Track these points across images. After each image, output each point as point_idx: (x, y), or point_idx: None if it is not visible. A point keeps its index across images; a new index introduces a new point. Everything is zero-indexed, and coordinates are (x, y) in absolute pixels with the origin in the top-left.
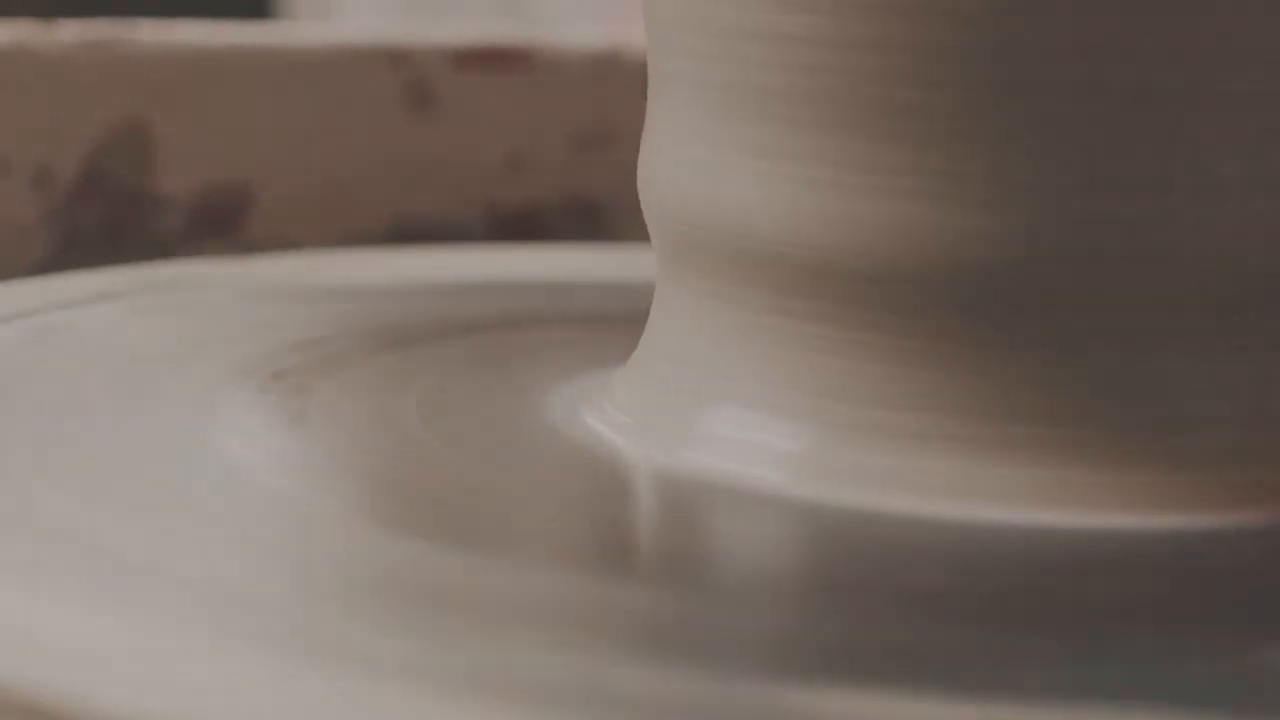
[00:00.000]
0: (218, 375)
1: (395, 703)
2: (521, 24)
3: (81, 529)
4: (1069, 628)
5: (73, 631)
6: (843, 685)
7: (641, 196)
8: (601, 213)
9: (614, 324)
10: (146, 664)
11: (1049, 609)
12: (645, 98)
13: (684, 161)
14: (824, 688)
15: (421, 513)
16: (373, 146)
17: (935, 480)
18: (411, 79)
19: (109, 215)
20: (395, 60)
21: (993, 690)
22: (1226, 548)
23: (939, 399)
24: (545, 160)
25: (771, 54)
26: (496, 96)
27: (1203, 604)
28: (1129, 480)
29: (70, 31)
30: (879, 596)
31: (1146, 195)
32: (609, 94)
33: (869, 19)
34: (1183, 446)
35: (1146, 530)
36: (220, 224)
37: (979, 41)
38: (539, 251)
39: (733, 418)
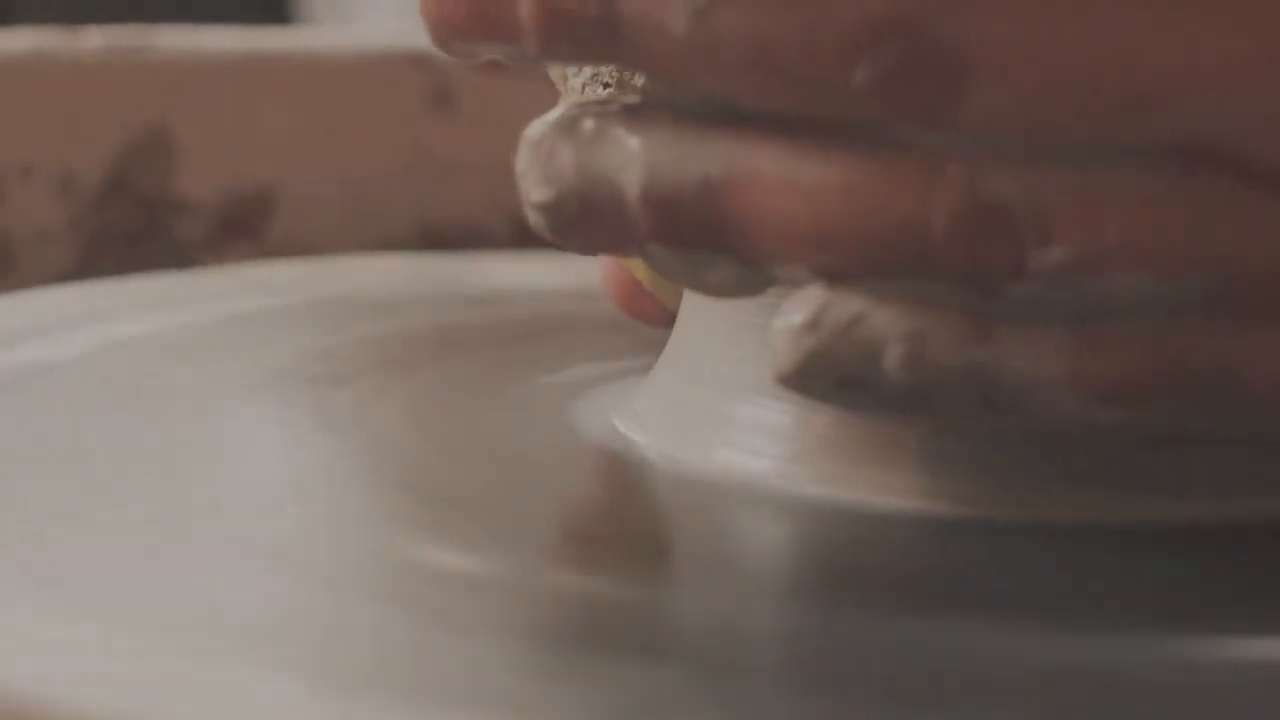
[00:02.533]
0: (241, 383)
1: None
2: None
3: (110, 542)
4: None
5: (89, 644)
6: (851, 689)
7: None
8: None
9: (640, 328)
10: (176, 680)
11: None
12: None
13: None
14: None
15: (448, 516)
16: (396, 151)
17: (948, 473)
18: (435, 83)
19: (133, 221)
20: (418, 65)
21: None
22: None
23: None
24: None
25: None
26: (520, 100)
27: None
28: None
29: (93, 38)
30: (889, 590)
31: None
32: None
33: None
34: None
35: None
36: (244, 229)
37: None
38: (563, 257)
39: (757, 417)
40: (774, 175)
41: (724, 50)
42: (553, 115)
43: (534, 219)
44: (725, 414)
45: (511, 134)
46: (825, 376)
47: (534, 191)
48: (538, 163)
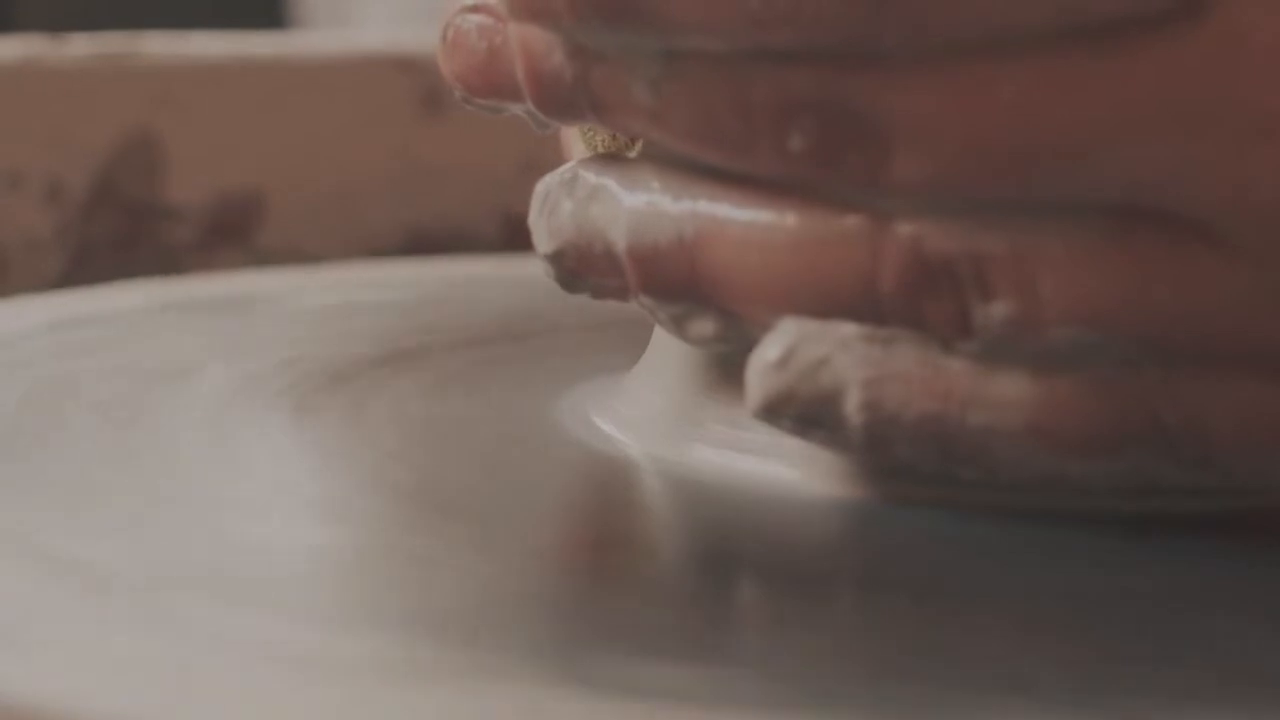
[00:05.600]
0: (232, 388)
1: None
2: None
3: (95, 548)
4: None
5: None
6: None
7: None
8: None
9: (626, 327)
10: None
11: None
12: None
13: None
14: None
15: (435, 515)
16: (385, 154)
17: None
18: (423, 87)
19: (122, 227)
20: (406, 68)
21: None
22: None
23: None
24: (557, 165)
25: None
26: None
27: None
28: None
29: (80, 45)
30: (880, 588)
31: None
32: None
33: None
34: None
35: None
36: (232, 234)
37: None
38: None
39: (738, 416)
40: (736, 233)
41: (678, 116)
42: (560, 170)
43: (544, 268)
44: (706, 412)
45: (499, 138)
46: (790, 415)
47: (540, 243)
48: (543, 216)
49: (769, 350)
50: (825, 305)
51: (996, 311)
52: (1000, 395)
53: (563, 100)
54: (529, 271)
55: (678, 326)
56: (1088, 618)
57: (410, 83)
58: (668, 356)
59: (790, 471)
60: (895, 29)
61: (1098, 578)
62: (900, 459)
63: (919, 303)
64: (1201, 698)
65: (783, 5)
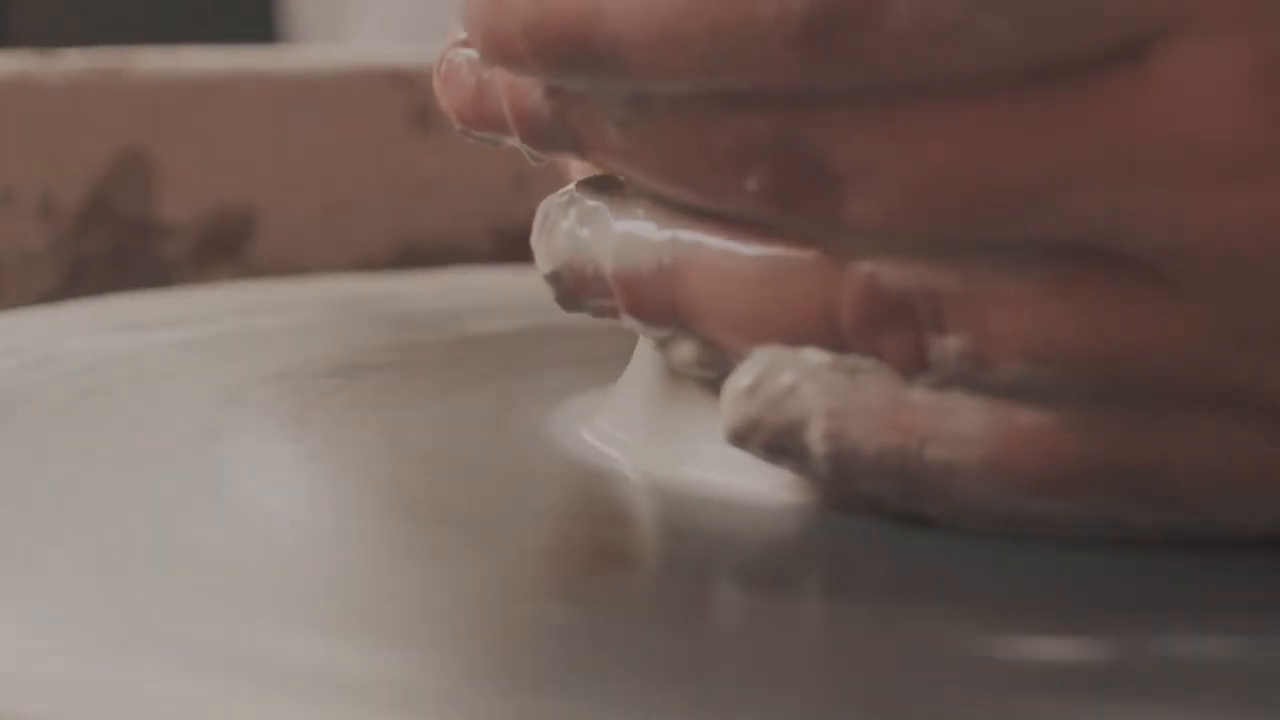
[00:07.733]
0: (220, 398)
1: None
2: None
3: (78, 566)
4: None
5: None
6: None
7: None
8: None
9: (615, 340)
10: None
11: None
12: None
13: None
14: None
15: (421, 532)
16: (377, 169)
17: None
18: (415, 101)
19: (115, 243)
20: (398, 83)
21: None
22: None
23: None
24: (550, 179)
25: None
26: None
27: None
28: None
29: (72, 60)
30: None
31: None
32: None
33: None
34: None
35: None
36: (225, 249)
37: None
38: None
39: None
40: (710, 263)
41: (647, 156)
42: (561, 191)
43: (548, 287)
44: (692, 425)
45: (491, 152)
46: (758, 442)
47: (541, 264)
48: (542, 237)
49: (741, 377)
50: (792, 337)
51: (951, 346)
52: (960, 431)
53: (546, 137)
54: (521, 284)
55: (662, 350)
56: (1061, 623)
57: (403, 97)
58: (651, 368)
59: (773, 484)
60: (837, 73)
61: (1065, 584)
62: (863, 491)
63: (875, 336)
64: (1168, 700)
65: (729, 49)
